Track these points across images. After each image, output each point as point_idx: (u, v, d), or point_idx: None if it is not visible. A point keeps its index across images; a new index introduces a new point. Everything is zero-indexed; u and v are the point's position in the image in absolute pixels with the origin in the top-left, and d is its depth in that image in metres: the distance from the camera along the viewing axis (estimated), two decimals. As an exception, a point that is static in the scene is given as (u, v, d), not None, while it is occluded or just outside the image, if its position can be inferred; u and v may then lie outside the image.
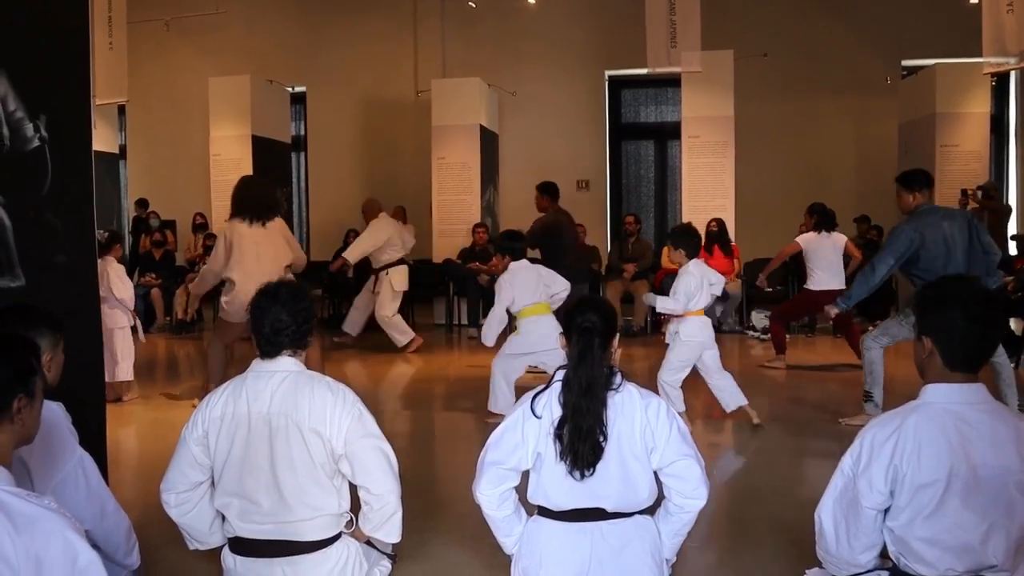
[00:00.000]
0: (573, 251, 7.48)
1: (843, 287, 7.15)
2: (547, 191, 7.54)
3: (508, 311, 5.60)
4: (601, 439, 2.41)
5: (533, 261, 5.88)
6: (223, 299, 5.94)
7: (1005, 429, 2.13)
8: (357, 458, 2.60)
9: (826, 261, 7.24)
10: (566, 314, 2.60)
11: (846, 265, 7.54)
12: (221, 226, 6.88)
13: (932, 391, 2.20)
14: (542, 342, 5.37)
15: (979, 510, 2.10)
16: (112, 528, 2.61)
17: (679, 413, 5.06)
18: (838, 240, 7.38)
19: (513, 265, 5.61)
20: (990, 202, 9.18)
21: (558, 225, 7.35)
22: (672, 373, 5.34)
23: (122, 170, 13.32)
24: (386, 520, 2.68)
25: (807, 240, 7.37)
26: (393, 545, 2.88)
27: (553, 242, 7.19)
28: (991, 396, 2.20)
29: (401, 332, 8.50)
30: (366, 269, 8.88)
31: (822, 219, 7.39)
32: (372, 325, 9.10)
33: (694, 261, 5.31)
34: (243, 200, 5.92)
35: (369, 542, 2.80)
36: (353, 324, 8.95)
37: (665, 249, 10.09)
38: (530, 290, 5.52)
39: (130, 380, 6.41)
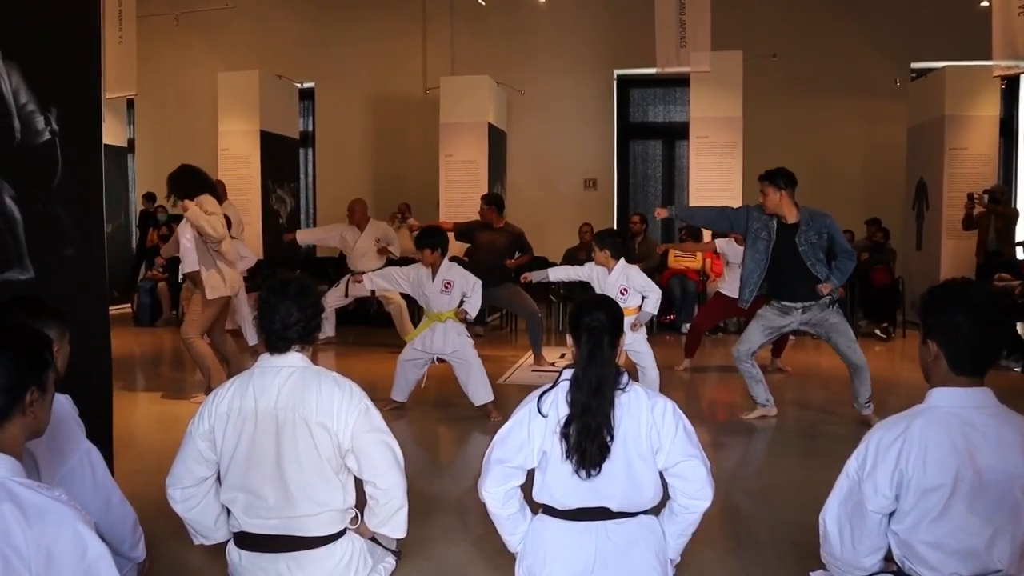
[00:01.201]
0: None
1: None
2: (500, 204, 7.83)
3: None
4: (608, 439, 2.41)
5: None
6: (213, 276, 5.92)
7: (1011, 433, 2.12)
8: (364, 453, 2.60)
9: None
10: (573, 313, 2.61)
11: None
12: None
13: (938, 395, 2.20)
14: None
15: (984, 515, 2.10)
16: (118, 520, 2.61)
17: None
18: None
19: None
20: (996, 206, 9.15)
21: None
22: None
23: (130, 164, 13.35)
24: (392, 515, 2.69)
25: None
26: (397, 542, 2.89)
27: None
28: (997, 400, 2.19)
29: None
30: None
31: None
32: (376, 322, 9.11)
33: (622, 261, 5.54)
34: (204, 182, 6.00)
35: (374, 538, 2.81)
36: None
37: (671, 250, 10.13)
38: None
39: None
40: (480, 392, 5.57)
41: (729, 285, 7.34)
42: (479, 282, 5.61)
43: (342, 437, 2.58)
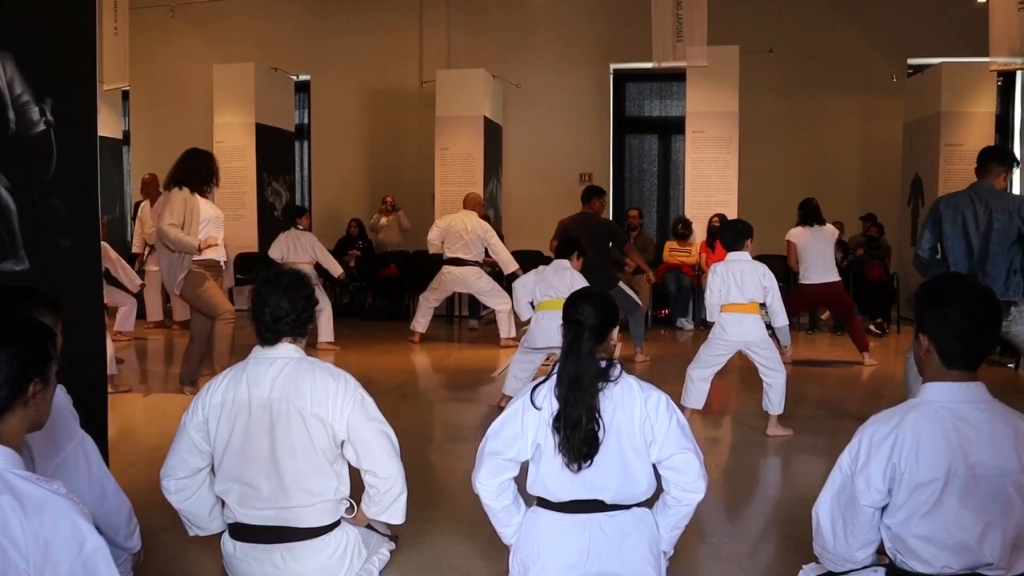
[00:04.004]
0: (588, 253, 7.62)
1: (837, 279, 7.19)
2: (584, 193, 7.69)
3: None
4: (598, 431, 2.42)
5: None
6: (195, 263, 5.85)
7: (1004, 428, 2.13)
8: (362, 442, 2.61)
9: (818, 255, 7.22)
10: (564, 306, 2.62)
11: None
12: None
13: (931, 389, 2.20)
14: (556, 336, 5.46)
15: (976, 509, 2.10)
16: (112, 511, 2.61)
17: (695, 410, 5.11)
18: (828, 233, 7.32)
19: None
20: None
21: (565, 225, 7.48)
22: (697, 368, 5.24)
23: (125, 156, 13.30)
24: (392, 502, 2.70)
25: (797, 235, 7.34)
26: (391, 528, 2.90)
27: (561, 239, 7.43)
28: (990, 395, 2.20)
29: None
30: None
31: (806, 214, 7.35)
32: (370, 315, 9.11)
33: (730, 255, 5.18)
34: (200, 170, 5.89)
35: (369, 526, 2.82)
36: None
37: (666, 244, 10.14)
38: (556, 284, 5.48)
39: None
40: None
41: (806, 275, 7.23)
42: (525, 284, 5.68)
43: (338, 428, 2.59)
